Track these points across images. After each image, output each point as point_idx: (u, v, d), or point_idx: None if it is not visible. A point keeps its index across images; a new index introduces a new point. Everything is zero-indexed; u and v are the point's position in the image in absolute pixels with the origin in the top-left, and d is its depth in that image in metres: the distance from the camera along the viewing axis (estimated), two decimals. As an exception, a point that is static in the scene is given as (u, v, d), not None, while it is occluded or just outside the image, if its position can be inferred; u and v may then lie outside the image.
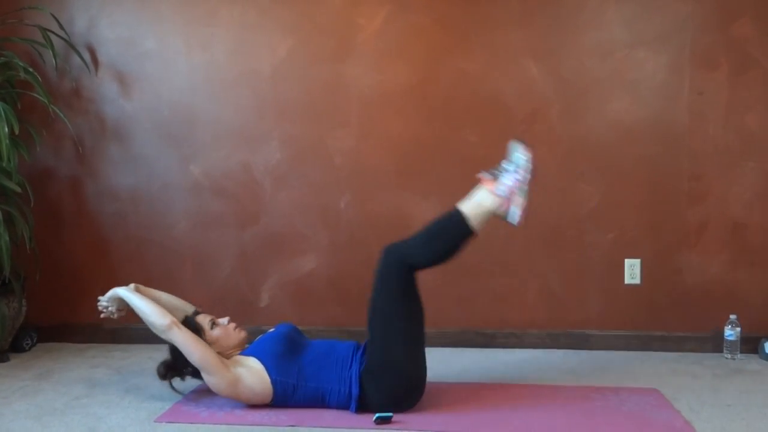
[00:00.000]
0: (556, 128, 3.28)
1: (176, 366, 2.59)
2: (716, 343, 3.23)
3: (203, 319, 2.61)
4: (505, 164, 2.52)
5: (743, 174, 3.22)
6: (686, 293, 3.27)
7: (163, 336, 2.51)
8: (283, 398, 2.49)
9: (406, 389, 2.46)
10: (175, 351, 2.57)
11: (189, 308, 2.76)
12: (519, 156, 2.50)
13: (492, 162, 3.27)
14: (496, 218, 2.51)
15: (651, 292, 3.29)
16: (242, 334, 2.64)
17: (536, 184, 3.26)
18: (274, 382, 2.47)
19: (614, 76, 3.25)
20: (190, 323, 2.60)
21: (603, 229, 3.30)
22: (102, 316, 2.70)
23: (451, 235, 2.48)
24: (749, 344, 3.19)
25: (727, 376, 2.91)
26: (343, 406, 2.48)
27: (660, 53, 3.22)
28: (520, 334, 3.34)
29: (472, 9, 3.28)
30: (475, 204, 2.48)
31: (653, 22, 3.22)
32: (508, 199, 2.46)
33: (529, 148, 2.52)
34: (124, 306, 2.65)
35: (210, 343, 2.55)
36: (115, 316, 2.69)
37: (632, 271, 3.29)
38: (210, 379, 2.46)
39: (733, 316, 3.14)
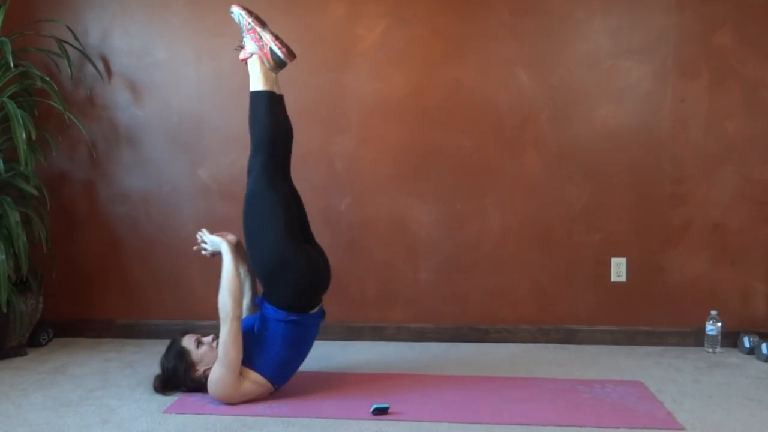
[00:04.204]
0: (545, 134, 3.27)
1: (175, 381, 2.56)
2: (698, 338, 3.22)
3: (189, 340, 2.57)
4: (242, 36, 2.64)
5: (723, 177, 3.20)
6: (669, 290, 3.26)
7: (221, 313, 2.46)
8: (281, 378, 2.53)
9: (307, 283, 2.54)
10: (177, 363, 2.53)
11: (248, 295, 2.78)
12: (236, 16, 2.63)
13: (486, 166, 3.30)
14: (274, 68, 2.59)
15: (636, 290, 3.28)
16: None
17: (527, 187, 3.29)
18: (269, 378, 2.49)
19: (601, 85, 3.23)
20: (176, 344, 2.57)
21: (591, 229, 3.28)
22: (194, 248, 2.74)
23: (257, 111, 2.58)
24: (729, 339, 3.18)
25: (708, 369, 2.91)
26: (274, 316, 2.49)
27: (644, 63, 3.21)
28: (512, 329, 3.33)
29: (467, 21, 3.26)
30: (252, 76, 2.60)
31: (638, 33, 3.20)
32: (260, 49, 2.57)
33: (237, 5, 2.63)
34: (219, 256, 2.63)
35: (197, 361, 2.53)
36: (207, 255, 2.72)
37: (618, 269, 3.28)
38: (224, 378, 2.43)
39: (713, 312, 3.13)
